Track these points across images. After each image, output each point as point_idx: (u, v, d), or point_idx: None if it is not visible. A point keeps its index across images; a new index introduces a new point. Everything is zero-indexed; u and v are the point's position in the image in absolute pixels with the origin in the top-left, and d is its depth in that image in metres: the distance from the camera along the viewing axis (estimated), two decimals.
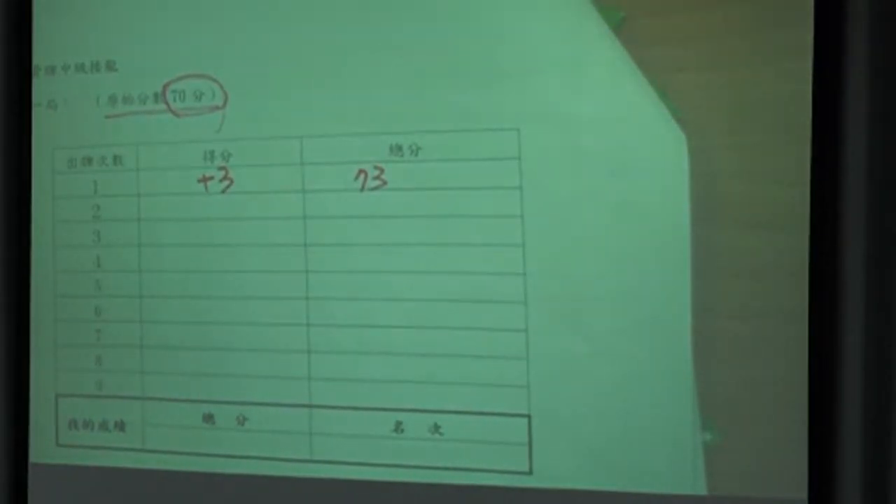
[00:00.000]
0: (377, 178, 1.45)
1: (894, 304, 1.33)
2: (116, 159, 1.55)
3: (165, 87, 1.52)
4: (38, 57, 1.57)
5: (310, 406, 1.48)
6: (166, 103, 1.52)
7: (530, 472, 1.41)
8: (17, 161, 1.58)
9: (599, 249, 1.38)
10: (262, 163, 1.49)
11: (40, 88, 1.57)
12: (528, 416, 1.41)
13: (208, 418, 1.52)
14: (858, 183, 1.32)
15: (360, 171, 1.45)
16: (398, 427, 1.45)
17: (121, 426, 1.55)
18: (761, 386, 1.34)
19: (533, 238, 1.40)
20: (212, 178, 1.51)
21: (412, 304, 1.44)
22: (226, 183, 1.50)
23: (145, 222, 1.54)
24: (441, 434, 1.44)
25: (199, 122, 1.51)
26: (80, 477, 1.55)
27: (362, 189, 1.45)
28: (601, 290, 1.38)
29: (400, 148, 1.44)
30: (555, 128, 1.38)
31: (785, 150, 1.33)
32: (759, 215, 1.34)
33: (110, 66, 1.55)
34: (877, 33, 1.32)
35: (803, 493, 1.34)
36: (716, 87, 1.34)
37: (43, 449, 1.57)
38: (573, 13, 1.38)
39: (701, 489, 1.36)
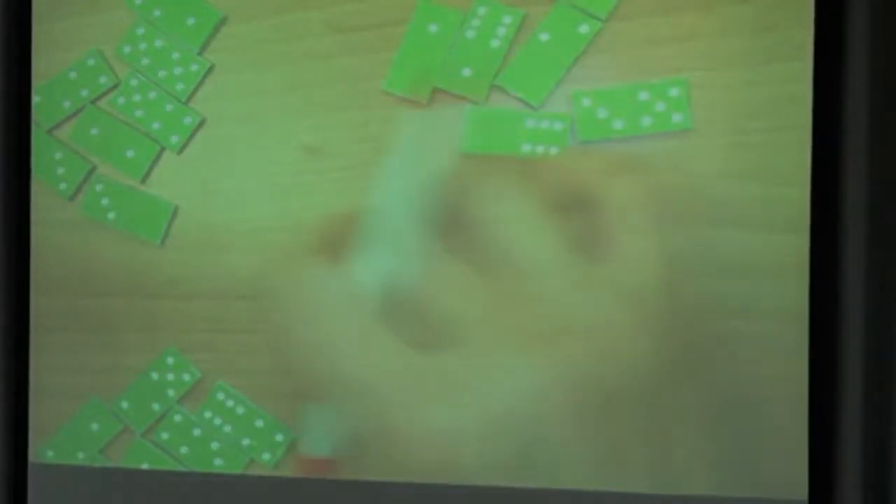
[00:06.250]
0: None
1: (895, 304, 1.33)
2: None
3: None
4: None
5: None
6: None
7: None
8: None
9: None
10: None
11: None
12: None
13: None
14: (858, 183, 1.32)
15: None
16: None
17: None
18: (762, 386, 1.35)
19: None
20: None
21: None
22: None
23: None
24: None
25: None
26: (80, 477, 1.55)
27: None
28: None
29: None
30: None
31: (785, 150, 1.33)
32: (759, 215, 1.34)
33: None
34: (877, 33, 1.32)
35: (803, 494, 1.34)
36: (716, 87, 1.34)
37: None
38: None
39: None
